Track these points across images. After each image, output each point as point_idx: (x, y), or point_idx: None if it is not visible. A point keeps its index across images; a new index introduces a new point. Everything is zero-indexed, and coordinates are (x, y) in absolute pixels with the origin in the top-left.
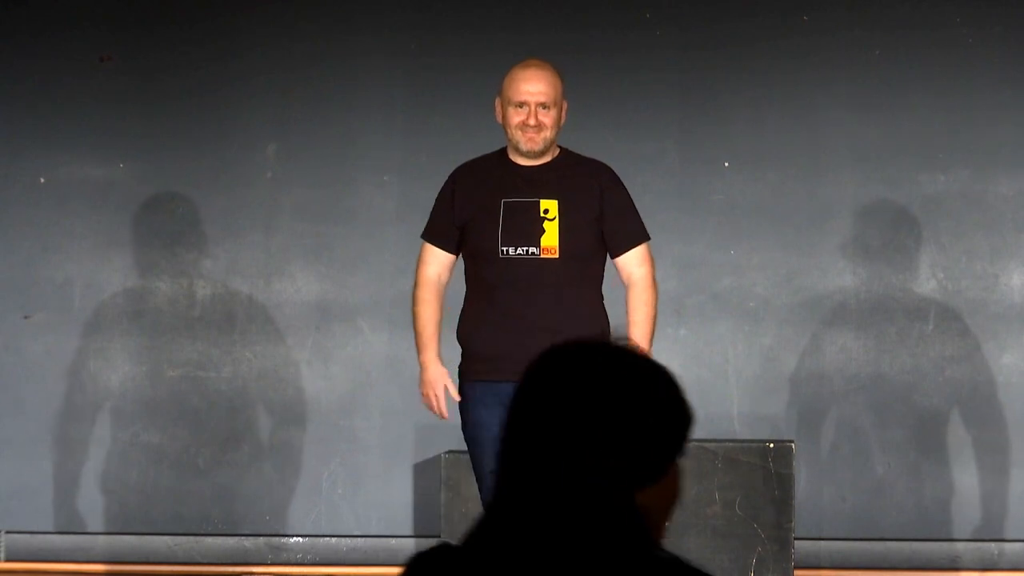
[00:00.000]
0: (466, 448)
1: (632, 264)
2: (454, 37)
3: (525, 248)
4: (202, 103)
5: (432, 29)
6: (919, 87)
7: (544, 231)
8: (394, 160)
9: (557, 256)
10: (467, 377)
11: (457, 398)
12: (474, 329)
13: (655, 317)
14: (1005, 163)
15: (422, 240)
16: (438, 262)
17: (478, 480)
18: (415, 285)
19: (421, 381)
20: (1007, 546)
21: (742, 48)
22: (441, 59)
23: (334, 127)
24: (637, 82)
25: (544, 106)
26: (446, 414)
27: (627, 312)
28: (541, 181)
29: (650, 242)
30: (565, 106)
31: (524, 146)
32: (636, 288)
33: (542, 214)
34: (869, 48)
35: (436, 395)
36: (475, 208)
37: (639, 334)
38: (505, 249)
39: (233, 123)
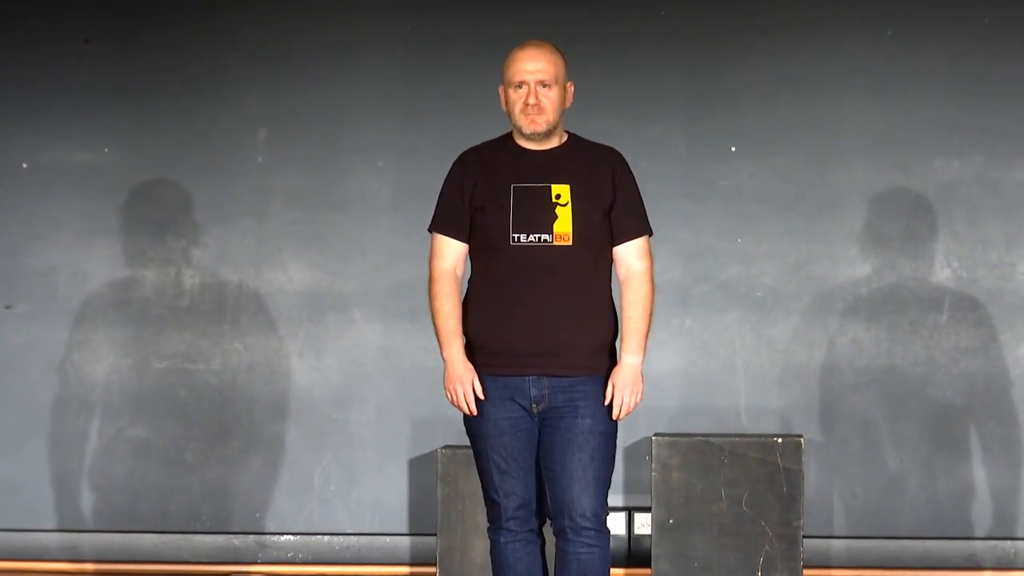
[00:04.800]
0: (464, 442)
1: (631, 256)
2: (451, 18)
3: (537, 235)
4: (190, 86)
5: (428, 9)
6: (933, 69)
7: (556, 217)
8: (389, 145)
9: (571, 243)
10: (474, 370)
11: (482, 397)
12: (482, 320)
13: (651, 313)
14: (1022, 148)
15: (432, 233)
16: (453, 254)
17: (480, 475)
18: (431, 280)
19: (446, 377)
20: None
21: (750, 30)
22: (438, 40)
23: (327, 111)
24: (642, 64)
25: (544, 84)
26: (475, 411)
27: (622, 307)
28: (551, 166)
29: (652, 237)
30: (570, 88)
31: (527, 128)
32: (633, 282)
33: (554, 199)
34: (881, 29)
35: (465, 392)
36: (484, 194)
37: (634, 330)
38: (516, 236)
39: (223, 106)
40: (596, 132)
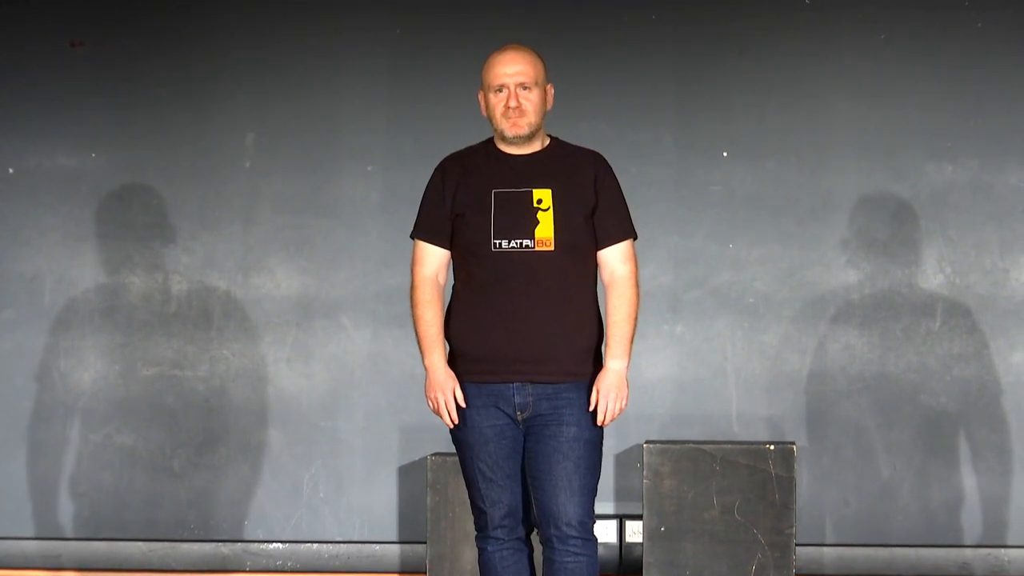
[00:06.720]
0: (453, 450)
1: (616, 261)
2: (439, 23)
3: (519, 241)
4: (177, 90)
5: (416, 14)
6: (926, 73)
7: (538, 222)
8: (377, 149)
9: (552, 248)
10: (458, 378)
11: (464, 405)
12: (465, 327)
13: (636, 318)
14: (1016, 152)
15: (414, 239)
16: (435, 261)
17: (467, 483)
18: (412, 287)
19: (427, 385)
20: (1018, 552)
21: (741, 32)
22: (426, 45)
23: (315, 115)
24: (632, 69)
25: (524, 87)
26: (456, 420)
27: (607, 311)
28: (533, 170)
29: (636, 241)
30: (551, 90)
31: (509, 132)
32: (617, 287)
33: (535, 204)
34: (874, 32)
35: (446, 400)
36: (465, 200)
37: (619, 335)
38: (497, 242)
39: (210, 111)
40: (586, 137)
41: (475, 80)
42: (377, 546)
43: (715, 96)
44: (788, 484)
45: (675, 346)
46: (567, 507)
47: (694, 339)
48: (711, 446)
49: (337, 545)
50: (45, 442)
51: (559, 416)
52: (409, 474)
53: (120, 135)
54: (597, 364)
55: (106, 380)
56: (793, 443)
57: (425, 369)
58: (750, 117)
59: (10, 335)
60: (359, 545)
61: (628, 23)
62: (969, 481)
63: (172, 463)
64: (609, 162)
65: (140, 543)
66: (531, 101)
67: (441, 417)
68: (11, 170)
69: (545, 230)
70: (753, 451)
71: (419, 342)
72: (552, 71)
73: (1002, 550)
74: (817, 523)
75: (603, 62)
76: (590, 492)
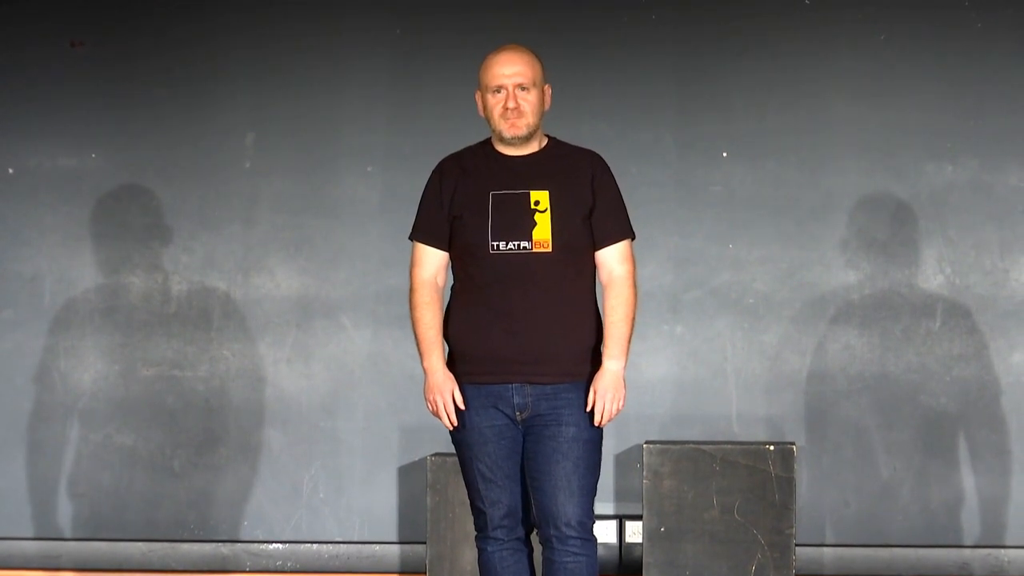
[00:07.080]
0: (453, 450)
1: (613, 261)
2: (439, 23)
3: (516, 242)
4: (177, 90)
5: (416, 14)
6: (925, 73)
7: (535, 224)
8: (378, 149)
9: (550, 250)
10: (457, 379)
11: (463, 407)
12: (463, 329)
13: (634, 318)
14: (1016, 153)
15: (412, 241)
16: (433, 263)
17: (466, 484)
18: (411, 289)
19: (426, 387)
20: (1017, 552)
21: (741, 32)
22: (426, 45)
23: (315, 115)
24: (632, 69)
25: (522, 87)
26: (455, 422)
27: (604, 312)
28: (530, 171)
29: (634, 241)
30: (548, 90)
31: (507, 133)
32: (615, 287)
33: (533, 206)
34: (874, 32)
35: (444, 402)
36: (463, 202)
37: (616, 335)
38: (495, 244)
39: (210, 111)
40: (586, 138)
41: (474, 82)
42: (377, 546)
43: (715, 96)
44: (788, 484)
45: (675, 346)
46: (566, 507)
47: (694, 339)
48: (711, 446)
49: (337, 545)
50: (45, 442)
51: (558, 416)
52: (409, 474)
53: (120, 135)
54: (596, 364)
55: (106, 380)
56: (793, 443)
57: (424, 371)
58: (750, 117)
59: (10, 335)
60: (359, 545)
61: (628, 23)
62: (969, 481)
63: (172, 463)
64: (608, 162)
65: (140, 543)
66: (529, 102)
67: (440, 419)
68: (11, 170)
69: (543, 232)
70: (753, 451)
71: (418, 344)
72: (552, 71)
73: (1002, 550)
74: (817, 523)
75: (603, 62)
76: (589, 492)
